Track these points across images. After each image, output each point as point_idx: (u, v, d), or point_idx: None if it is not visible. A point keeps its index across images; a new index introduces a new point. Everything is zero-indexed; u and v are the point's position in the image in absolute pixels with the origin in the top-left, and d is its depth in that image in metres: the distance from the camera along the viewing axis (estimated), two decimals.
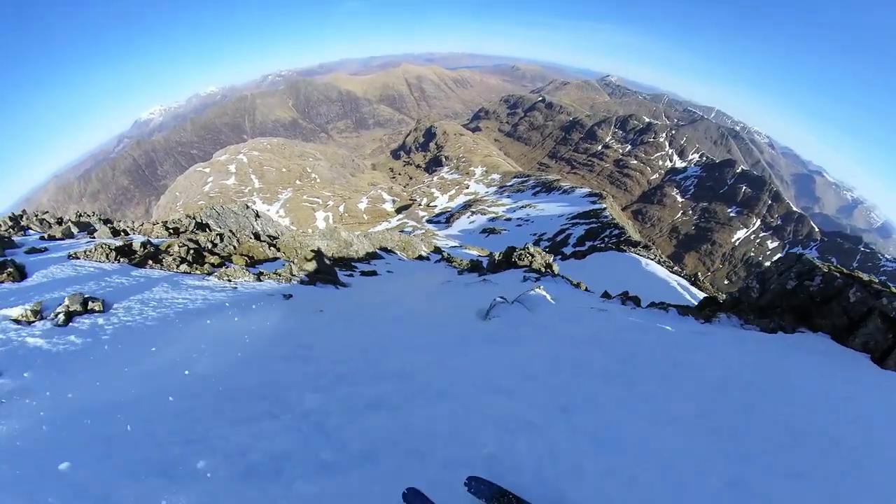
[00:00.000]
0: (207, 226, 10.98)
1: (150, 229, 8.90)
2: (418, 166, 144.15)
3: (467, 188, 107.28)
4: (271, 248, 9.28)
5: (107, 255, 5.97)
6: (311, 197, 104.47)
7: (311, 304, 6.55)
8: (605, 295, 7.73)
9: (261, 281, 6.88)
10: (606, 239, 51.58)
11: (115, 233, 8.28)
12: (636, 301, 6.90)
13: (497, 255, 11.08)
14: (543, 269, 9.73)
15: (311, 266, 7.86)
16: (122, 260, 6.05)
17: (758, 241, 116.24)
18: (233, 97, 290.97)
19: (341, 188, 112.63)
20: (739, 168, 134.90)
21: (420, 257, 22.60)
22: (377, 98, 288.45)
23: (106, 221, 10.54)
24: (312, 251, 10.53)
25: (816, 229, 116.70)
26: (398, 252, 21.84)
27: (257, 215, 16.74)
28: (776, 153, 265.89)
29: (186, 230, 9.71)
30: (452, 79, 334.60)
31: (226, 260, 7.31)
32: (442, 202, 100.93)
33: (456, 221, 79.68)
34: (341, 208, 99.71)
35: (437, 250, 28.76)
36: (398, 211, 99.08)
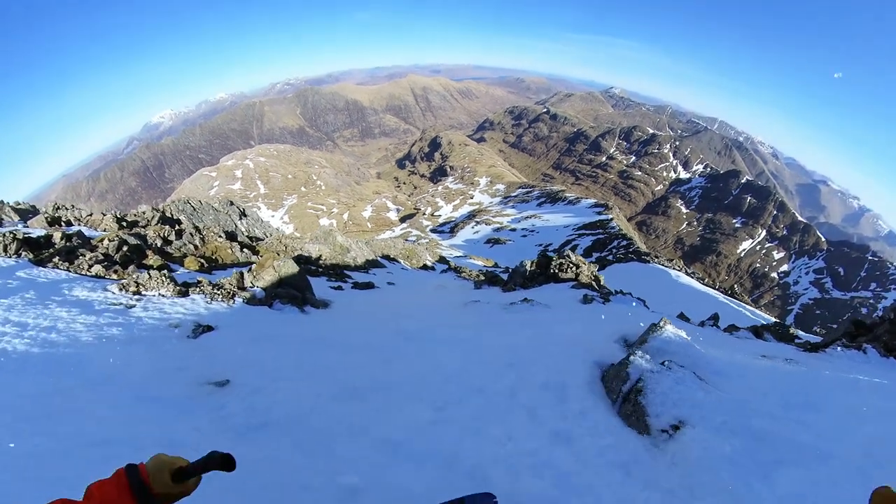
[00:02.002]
0: (179, 221, 9.50)
1: (99, 221, 7.43)
2: (423, 176, 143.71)
3: (471, 198, 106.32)
4: (245, 250, 7.72)
5: (5, 247, 4.45)
6: (315, 204, 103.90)
7: (226, 358, 3.84)
8: (704, 318, 6.02)
9: (187, 295, 5.06)
10: (614, 250, 49.92)
11: (53, 222, 6.78)
12: (773, 332, 5.00)
13: (529, 264, 8.99)
14: (595, 285, 7.93)
15: (272, 275, 6.00)
16: (24, 254, 4.52)
17: (763, 251, 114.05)
18: (242, 104, 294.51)
19: (346, 196, 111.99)
20: (744, 178, 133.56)
21: (424, 266, 21.10)
22: (383, 108, 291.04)
23: (55, 210, 9.07)
24: (297, 256, 8.92)
25: (823, 239, 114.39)
26: (401, 261, 20.34)
27: (243, 214, 15.01)
28: (780, 163, 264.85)
29: (148, 224, 8.23)
30: (458, 90, 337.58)
31: (175, 261, 5.76)
32: (446, 212, 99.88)
33: (460, 231, 78.47)
34: (345, 216, 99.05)
35: (443, 260, 27.36)
36: (402, 220, 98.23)
